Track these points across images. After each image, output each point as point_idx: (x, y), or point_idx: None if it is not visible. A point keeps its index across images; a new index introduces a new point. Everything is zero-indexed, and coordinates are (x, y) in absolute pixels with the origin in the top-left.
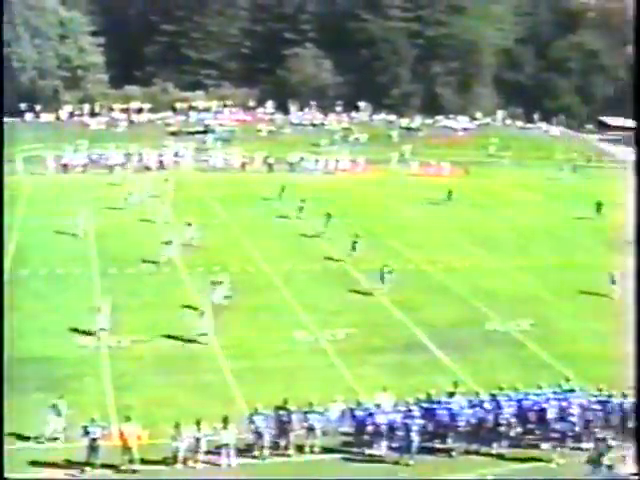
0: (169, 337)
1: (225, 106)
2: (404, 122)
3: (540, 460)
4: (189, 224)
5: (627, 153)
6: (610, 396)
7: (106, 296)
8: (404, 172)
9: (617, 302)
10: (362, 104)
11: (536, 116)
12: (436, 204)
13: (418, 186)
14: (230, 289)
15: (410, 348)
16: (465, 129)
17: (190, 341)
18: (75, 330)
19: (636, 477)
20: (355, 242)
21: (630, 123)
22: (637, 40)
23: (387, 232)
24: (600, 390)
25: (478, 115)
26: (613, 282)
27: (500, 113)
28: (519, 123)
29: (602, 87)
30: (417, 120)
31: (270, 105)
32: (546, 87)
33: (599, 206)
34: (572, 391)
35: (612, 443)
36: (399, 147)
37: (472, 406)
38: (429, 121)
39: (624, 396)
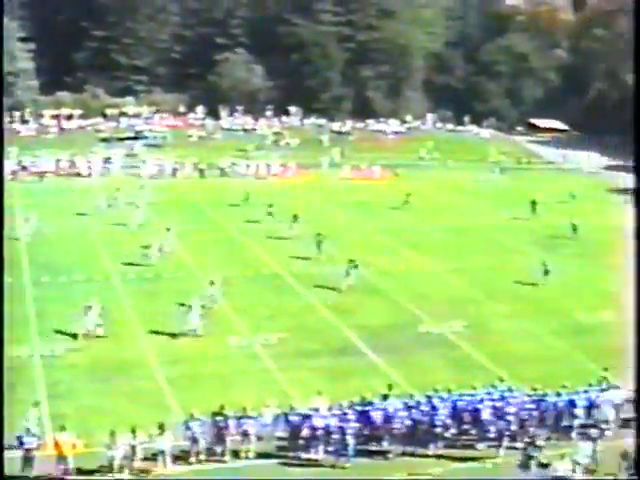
0: (104, 344)
1: (156, 112)
2: (335, 126)
3: (476, 460)
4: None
5: (556, 154)
6: (544, 395)
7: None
8: (335, 176)
9: (549, 303)
10: (293, 108)
11: (466, 119)
12: (368, 207)
13: (349, 190)
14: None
15: (344, 351)
16: (396, 132)
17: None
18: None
19: (636, 477)
20: (320, 242)
21: (558, 125)
22: (637, 45)
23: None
24: (535, 390)
25: (408, 118)
26: (546, 273)
27: (430, 116)
28: (449, 126)
29: (531, 89)
30: (348, 124)
31: (201, 110)
32: (476, 90)
33: (534, 205)
34: (507, 391)
35: (541, 443)
36: (330, 151)
37: (407, 408)
38: (360, 125)
39: (558, 395)
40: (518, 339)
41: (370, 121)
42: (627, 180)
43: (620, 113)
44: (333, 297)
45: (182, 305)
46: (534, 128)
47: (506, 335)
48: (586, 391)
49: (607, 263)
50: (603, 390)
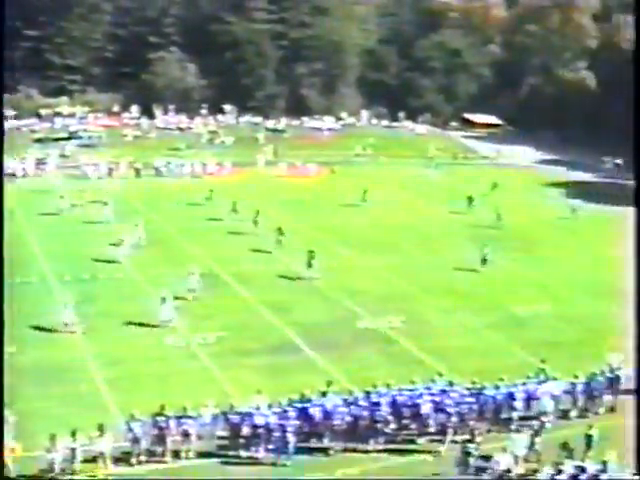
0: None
1: (90, 112)
2: (270, 124)
3: (417, 454)
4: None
5: (491, 149)
6: (483, 388)
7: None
8: (271, 174)
9: (486, 297)
10: (227, 107)
11: (401, 115)
12: (304, 204)
13: (285, 187)
14: (100, 297)
15: (282, 349)
16: (331, 129)
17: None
18: None
19: (637, 477)
20: (280, 239)
21: (493, 120)
22: (637, 47)
23: (255, 233)
24: (473, 383)
25: (343, 115)
26: (484, 262)
27: (365, 113)
28: (384, 122)
29: (465, 85)
30: (283, 122)
31: (135, 110)
32: (410, 86)
33: (470, 200)
34: (446, 385)
35: (477, 439)
36: (268, 148)
37: (346, 404)
38: (295, 122)
39: (497, 388)
40: (456, 333)
41: (305, 118)
42: (561, 174)
43: (553, 108)
44: (272, 295)
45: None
46: (469, 123)
47: (444, 329)
48: (524, 384)
49: (543, 255)
50: (541, 382)
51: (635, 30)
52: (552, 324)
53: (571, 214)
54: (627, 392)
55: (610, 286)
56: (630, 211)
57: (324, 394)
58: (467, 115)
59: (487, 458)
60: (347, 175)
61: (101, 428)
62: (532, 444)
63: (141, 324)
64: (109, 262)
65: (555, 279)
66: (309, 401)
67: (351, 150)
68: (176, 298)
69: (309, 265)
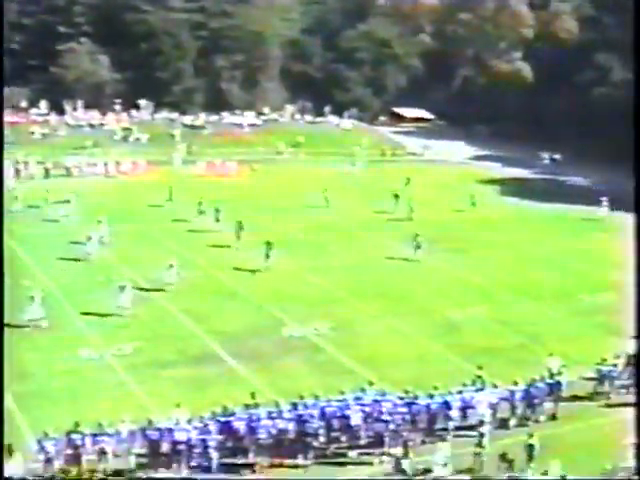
0: None
1: None
2: (187, 120)
3: (349, 466)
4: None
5: (422, 145)
6: (416, 398)
7: None
8: (189, 173)
9: (419, 300)
10: (142, 102)
11: (327, 109)
12: (223, 205)
13: (203, 187)
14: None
15: (203, 360)
16: (252, 125)
17: None
18: None
19: (637, 477)
20: (239, 231)
21: (423, 114)
22: (637, 48)
23: (171, 236)
24: (406, 392)
25: (265, 110)
26: (418, 247)
27: (289, 107)
28: (309, 117)
29: (394, 77)
30: (201, 117)
31: (44, 105)
32: (336, 79)
33: (397, 199)
34: (377, 395)
35: (410, 451)
36: (182, 146)
37: (271, 417)
38: (214, 118)
39: (430, 397)
40: (387, 340)
41: (225, 114)
42: (496, 170)
43: (487, 101)
44: (189, 303)
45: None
46: (398, 118)
47: (374, 336)
48: (460, 392)
49: (476, 256)
50: (478, 390)
51: (635, 30)
52: (488, 328)
53: (506, 212)
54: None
55: (546, 287)
56: (568, 209)
57: (248, 407)
58: (396, 109)
59: (426, 471)
60: (268, 173)
61: (10, 449)
62: (475, 455)
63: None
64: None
65: (490, 280)
66: (232, 414)
67: (273, 147)
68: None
69: (267, 256)
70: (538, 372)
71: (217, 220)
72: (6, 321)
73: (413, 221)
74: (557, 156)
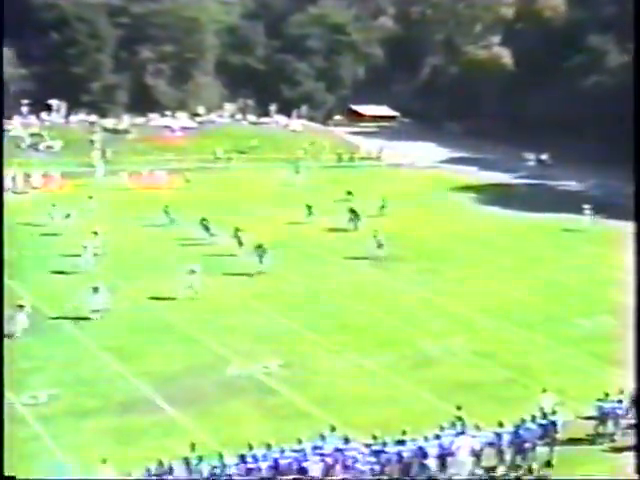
0: None
1: None
2: (108, 123)
3: None
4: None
5: (384, 147)
6: (385, 444)
7: None
8: (111, 185)
9: (385, 331)
10: (54, 102)
11: (272, 108)
12: (154, 224)
13: (130, 202)
14: None
15: (133, 406)
16: (185, 128)
17: None
18: None
19: (637, 477)
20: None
21: (385, 111)
22: (637, 43)
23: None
24: (374, 438)
25: (200, 110)
26: (380, 246)
27: (228, 106)
28: (252, 118)
29: (351, 68)
30: (125, 120)
31: None
32: (283, 72)
33: (355, 215)
34: (341, 442)
35: None
36: (103, 154)
37: (213, 472)
38: (140, 120)
39: (402, 443)
40: (349, 378)
41: (153, 115)
42: (472, 175)
43: (460, 94)
44: (117, 339)
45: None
46: (356, 116)
47: (334, 373)
48: (437, 436)
49: (453, 277)
50: (458, 434)
51: (635, 30)
52: (468, 361)
53: (485, 224)
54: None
55: (534, 311)
56: (559, 219)
57: (187, 460)
58: (354, 106)
59: None
60: (204, 184)
61: None
62: None
63: None
64: None
65: (468, 305)
66: (169, 470)
67: (210, 153)
68: None
69: (260, 261)
70: (528, 411)
71: None
72: None
73: (376, 238)
74: (545, 157)
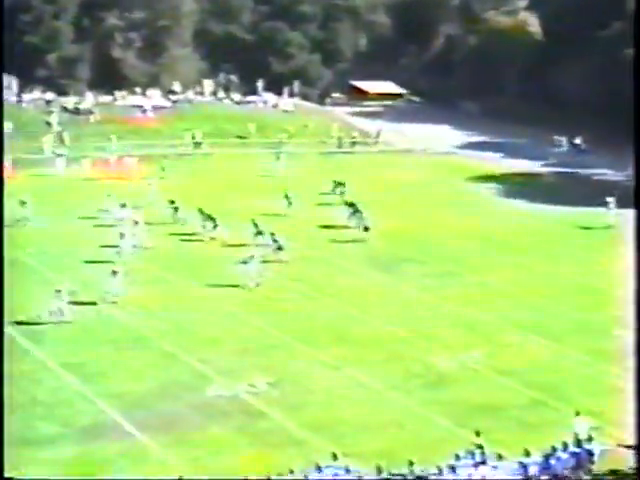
0: None
1: None
2: (69, 102)
3: None
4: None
5: (391, 130)
6: (392, 476)
7: None
8: (73, 175)
9: (391, 344)
10: (4, 78)
11: (260, 85)
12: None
13: (91, 194)
14: None
15: (97, 433)
16: (158, 108)
17: None
18: None
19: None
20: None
21: (391, 88)
22: (637, 42)
23: (54, 267)
24: (379, 470)
25: (176, 87)
26: (365, 229)
27: (208, 83)
28: (236, 96)
29: (351, 38)
30: (88, 98)
31: None
32: (272, 42)
33: (354, 208)
34: (341, 473)
35: None
36: (62, 139)
37: None
38: (106, 99)
39: (409, 475)
40: (349, 398)
41: (121, 93)
42: (494, 162)
43: (480, 68)
44: (75, 353)
45: None
46: (358, 94)
47: (332, 393)
48: (452, 468)
49: (471, 282)
50: (477, 464)
51: (635, 30)
52: (488, 379)
53: (509, 220)
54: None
55: (566, 321)
56: (598, 212)
57: None
58: (355, 82)
59: None
60: (181, 173)
61: None
62: None
63: None
64: None
65: (489, 314)
66: None
67: (187, 137)
68: None
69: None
70: (559, 438)
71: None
72: None
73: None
74: (578, 141)
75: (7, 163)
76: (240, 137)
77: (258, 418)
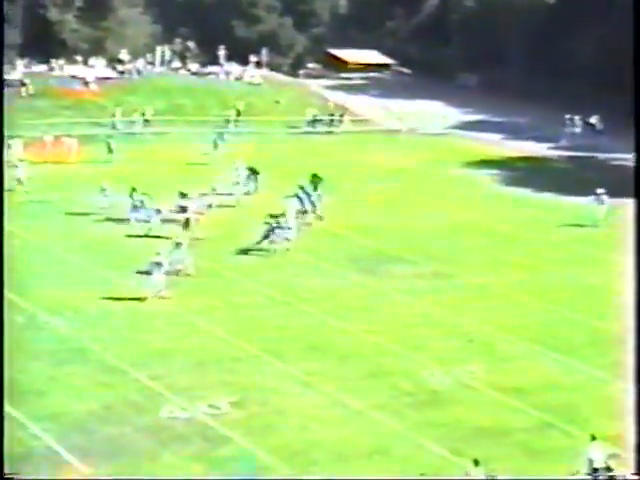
0: None
1: None
2: None
3: None
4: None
5: (375, 106)
6: None
7: None
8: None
9: (376, 357)
10: None
11: (222, 53)
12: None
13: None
14: None
15: (28, 461)
16: (102, 79)
17: None
18: None
19: (636, 477)
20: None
21: (375, 57)
22: (637, 38)
23: None
24: None
25: (123, 56)
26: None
27: (161, 50)
28: (194, 66)
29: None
30: (18, 68)
31: None
32: (236, 3)
33: (316, 180)
34: None
35: None
36: None
37: None
38: (40, 69)
39: None
40: (326, 421)
41: (58, 62)
42: (495, 145)
43: (479, 34)
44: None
45: None
46: (337, 64)
47: (306, 415)
48: None
49: (469, 284)
50: None
51: (635, 29)
52: (489, 398)
53: (512, 212)
54: None
55: (578, 330)
56: (615, 203)
57: None
58: (334, 51)
59: None
60: (130, 158)
61: None
62: None
63: None
64: None
65: (489, 321)
66: None
67: (137, 113)
68: None
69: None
70: (572, 466)
71: None
72: None
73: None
74: (594, 120)
75: None
76: (200, 113)
77: (219, 444)
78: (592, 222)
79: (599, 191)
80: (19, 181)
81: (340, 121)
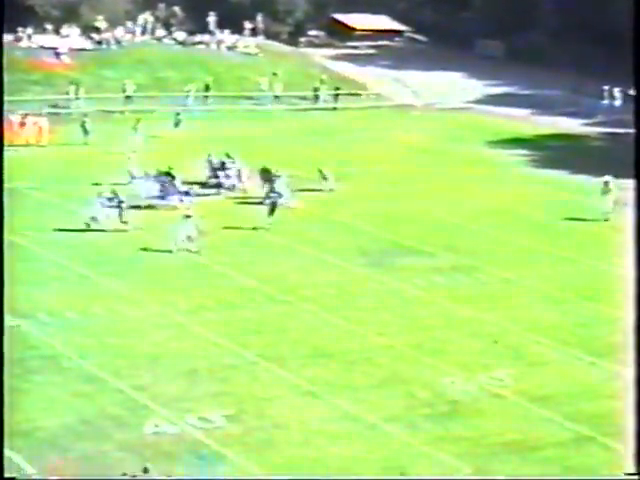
0: None
1: None
2: None
3: None
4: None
5: (387, 79)
6: None
7: None
8: None
9: (387, 361)
10: None
11: (211, 19)
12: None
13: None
14: None
15: None
16: (76, 50)
17: None
18: None
19: (635, 477)
20: None
21: (386, 23)
22: (637, 38)
23: None
24: None
25: (100, 24)
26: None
27: (143, 19)
28: (180, 35)
29: None
30: None
31: None
32: None
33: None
34: None
35: None
36: None
37: None
38: (6, 38)
39: None
40: (332, 435)
41: (26, 31)
42: (522, 121)
43: None
44: None
45: None
46: (342, 31)
47: (308, 429)
48: None
49: (491, 280)
50: None
51: (635, 29)
52: (516, 409)
53: (544, 197)
54: None
55: (615, 332)
56: None
57: None
58: (339, 16)
59: None
60: (107, 141)
61: None
62: None
63: None
64: None
65: (517, 322)
66: None
67: (117, 89)
68: None
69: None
70: None
71: None
72: None
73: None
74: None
75: None
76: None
77: (212, 462)
78: None
79: (607, 178)
80: None
81: (346, 96)
